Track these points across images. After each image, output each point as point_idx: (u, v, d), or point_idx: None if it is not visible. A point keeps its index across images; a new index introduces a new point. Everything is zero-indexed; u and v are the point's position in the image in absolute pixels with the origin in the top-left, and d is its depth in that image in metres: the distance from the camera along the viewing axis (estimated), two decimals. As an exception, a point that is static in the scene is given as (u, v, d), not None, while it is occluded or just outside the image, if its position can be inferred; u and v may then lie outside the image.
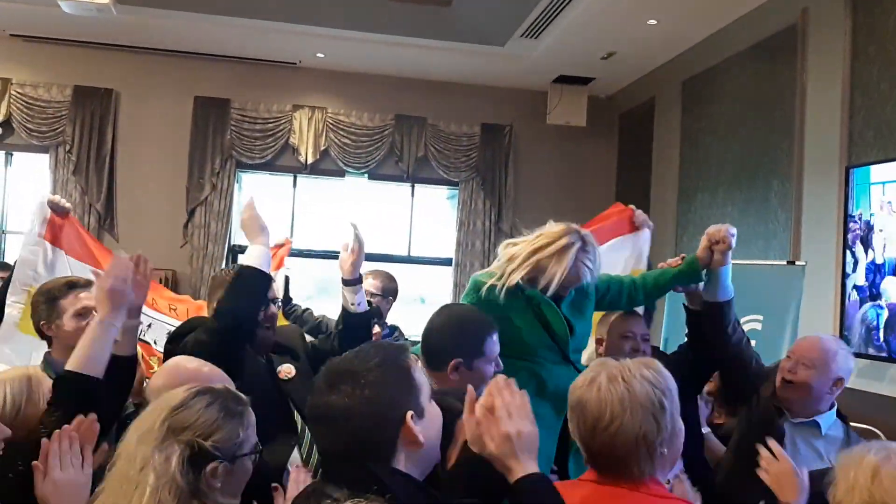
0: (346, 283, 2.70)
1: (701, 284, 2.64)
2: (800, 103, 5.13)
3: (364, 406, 1.36)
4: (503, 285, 2.40)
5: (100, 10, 5.52)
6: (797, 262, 4.16)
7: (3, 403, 1.87)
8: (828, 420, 2.50)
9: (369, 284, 3.98)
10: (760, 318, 3.66)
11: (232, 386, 1.84)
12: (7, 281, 3.14)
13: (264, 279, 2.39)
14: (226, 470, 1.46)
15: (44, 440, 1.71)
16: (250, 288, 2.35)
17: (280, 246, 4.16)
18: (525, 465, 1.44)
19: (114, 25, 6.54)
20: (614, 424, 1.51)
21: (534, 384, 2.39)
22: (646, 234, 3.23)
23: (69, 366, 1.92)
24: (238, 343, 2.31)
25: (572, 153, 8.32)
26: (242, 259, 2.46)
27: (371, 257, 8.22)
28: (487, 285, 2.42)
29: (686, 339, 2.81)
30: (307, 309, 4.08)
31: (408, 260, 8.34)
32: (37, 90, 7.49)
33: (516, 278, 2.40)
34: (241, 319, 2.31)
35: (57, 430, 1.72)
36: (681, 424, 1.60)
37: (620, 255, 3.15)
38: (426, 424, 1.42)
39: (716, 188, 6.20)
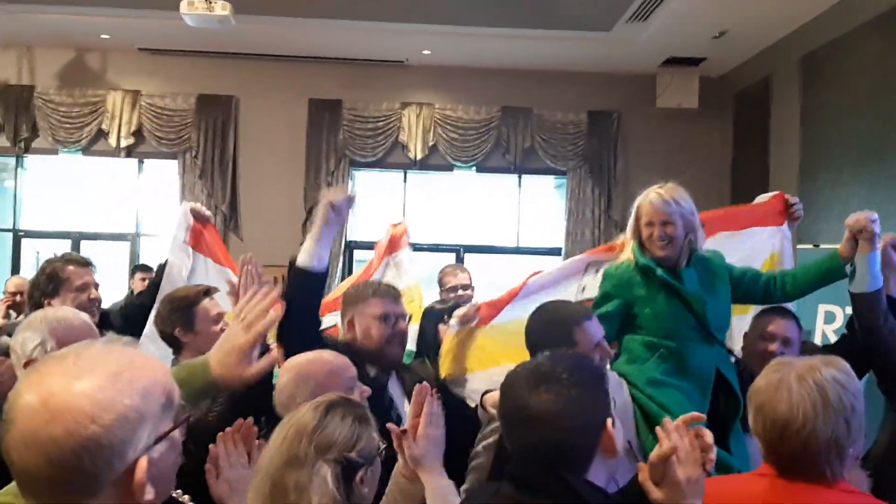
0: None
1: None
2: (934, 74, 4.80)
3: (571, 408, 1.35)
4: (631, 266, 2.56)
5: (220, 21, 5.83)
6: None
7: None
8: None
9: (461, 279, 4.00)
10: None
11: (354, 371, 1.96)
12: (154, 283, 3.30)
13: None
14: (371, 473, 1.52)
15: (211, 446, 1.83)
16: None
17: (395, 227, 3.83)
18: None
19: (232, 35, 6.88)
20: (806, 429, 1.46)
21: (672, 362, 2.46)
22: (787, 229, 3.07)
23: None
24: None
25: (684, 137, 8.08)
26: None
27: (480, 249, 8.38)
28: (621, 270, 2.57)
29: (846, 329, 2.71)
30: None
31: (516, 251, 8.36)
32: (164, 100, 8.00)
33: (629, 253, 2.57)
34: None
35: (220, 434, 1.85)
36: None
37: (760, 244, 3.03)
38: (616, 435, 1.42)
39: (840, 168, 5.89)
